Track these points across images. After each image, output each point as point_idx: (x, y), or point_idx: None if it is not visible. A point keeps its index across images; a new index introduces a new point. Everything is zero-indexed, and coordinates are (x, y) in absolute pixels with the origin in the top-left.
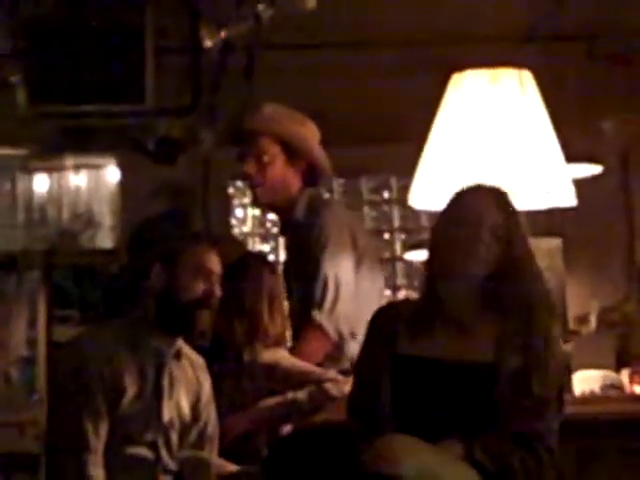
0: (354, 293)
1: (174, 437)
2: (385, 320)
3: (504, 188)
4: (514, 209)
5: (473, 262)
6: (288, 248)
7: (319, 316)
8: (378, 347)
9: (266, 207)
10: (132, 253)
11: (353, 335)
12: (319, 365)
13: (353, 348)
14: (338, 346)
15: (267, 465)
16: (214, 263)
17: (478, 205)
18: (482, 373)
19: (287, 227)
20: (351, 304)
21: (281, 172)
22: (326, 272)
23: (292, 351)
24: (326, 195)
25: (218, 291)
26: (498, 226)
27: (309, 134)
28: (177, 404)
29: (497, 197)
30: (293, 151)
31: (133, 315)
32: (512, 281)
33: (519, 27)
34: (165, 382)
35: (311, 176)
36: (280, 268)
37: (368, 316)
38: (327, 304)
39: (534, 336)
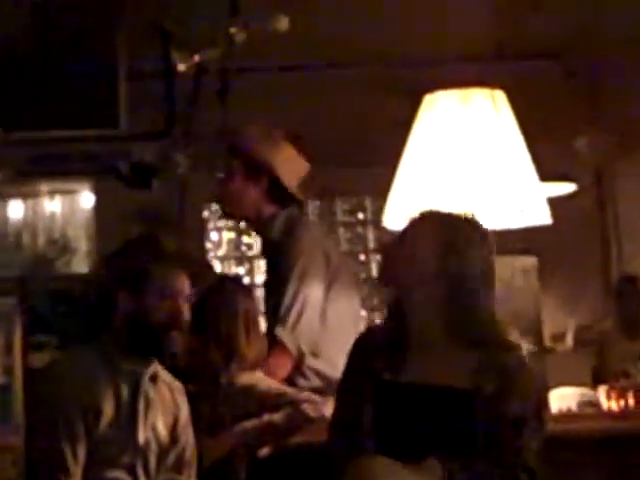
0: (322, 313)
1: (152, 460)
2: (365, 345)
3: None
4: (460, 230)
5: (412, 275)
6: (267, 268)
7: (281, 332)
8: (359, 372)
9: (240, 221)
10: (100, 279)
11: (314, 354)
12: (289, 381)
13: (315, 366)
14: (299, 363)
15: None
16: (181, 284)
17: (418, 224)
18: (459, 399)
19: (265, 248)
20: (316, 324)
21: (241, 187)
22: (293, 290)
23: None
24: (303, 217)
25: (186, 312)
26: (438, 243)
27: (274, 152)
28: (153, 427)
29: (440, 219)
30: (252, 167)
31: (108, 339)
32: (471, 304)
33: (490, 46)
34: (140, 405)
35: (284, 197)
36: (261, 289)
37: (339, 337)
38: (290, 321)
39: (508, 359)
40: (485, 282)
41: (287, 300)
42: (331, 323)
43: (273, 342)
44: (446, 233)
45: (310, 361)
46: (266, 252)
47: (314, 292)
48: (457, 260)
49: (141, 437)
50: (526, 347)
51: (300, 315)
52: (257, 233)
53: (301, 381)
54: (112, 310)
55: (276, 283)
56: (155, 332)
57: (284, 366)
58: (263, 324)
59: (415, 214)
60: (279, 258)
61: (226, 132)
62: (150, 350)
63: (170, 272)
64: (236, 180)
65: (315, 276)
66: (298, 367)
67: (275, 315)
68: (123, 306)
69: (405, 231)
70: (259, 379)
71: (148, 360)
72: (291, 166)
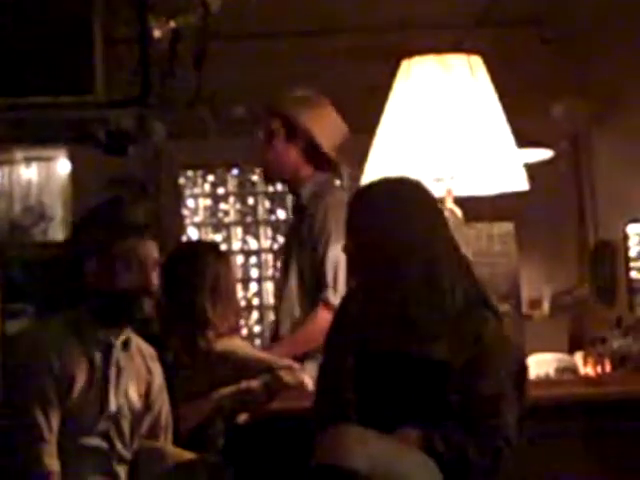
0: None
1: (126, 427)
2: (345, 313)
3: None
4: (405, 198)
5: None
6: (292, 229)
7: (333, 297)
8: (341, 341)
9: (275, 182)
10: (68, 248)
11: None
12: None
13: None
14: None
15: (225, 454)
16: (148, 251)
17: (361, 197)
18: (434, 369)
19: (294, 209)
20: None
21: (281, 147)
22: (336, 256)
23: (302, 328)
24: (332, 181)
25: (154, 279)
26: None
27: (312, 115)
28: (125, 393)
29: (384, 189)
30: (292, 128)
31: (81, 307)
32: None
33: (469, 12)
34: (112, 371)
35: (320, 159)
36: (238, 255)
37: None
38: (339, 286)
39: (485, 330)
40: (445, 249)
41: (331, 266)
42: None
43: (318, 304)
44: (389, 203)
45: None
46: (294, 213)
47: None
48: (402, 229)
49: (113, 404)
50: (503, 309)
51: (342, 281)
52: (292, 194)
53: None
54: (82, 278)
55: (306, 247)
56: (124, 300)
57: None
58: (239, 290)
59: (358, 188)
60: (304, 222)
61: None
62: (120, 318)
63: (136, 239)
64: (277, 142)
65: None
66: None
67: (308, 279)
68: (91, 275)
69: (350, 205)
70: (237, 346)
71: (121, 327)
72: (328, 128)
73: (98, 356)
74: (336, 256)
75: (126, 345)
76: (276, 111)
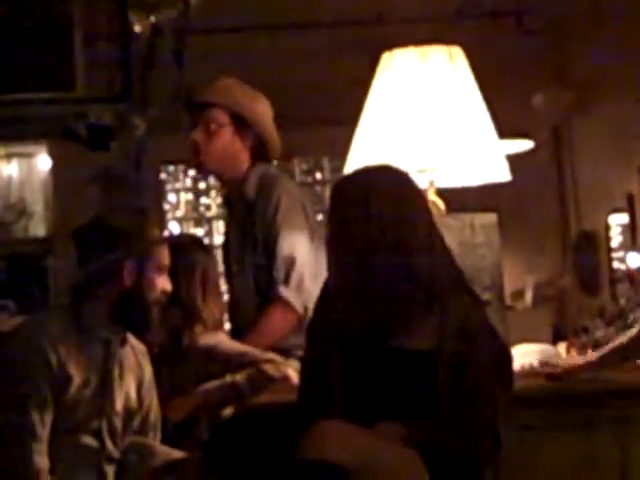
0: (313, 268)
1: (118, 425)
2: (332, 298)
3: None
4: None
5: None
6: (236, 224)
7: (287, 292)
8: (326, 325)
9: (213, 176)
10: (101, 248)
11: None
12: (284, 338)
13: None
14: (303, 320)
15: (209, 449)
16: (168, 258)
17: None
18: (420, 360)
19: (236, 202)
20: (311, 280)
21: (228, 142)
22: (288, 249)
23: (256, 326)
24: (277, 172)
25: (169, 286)
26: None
27: (260, 109)
28: (127, 392)
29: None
30: (243, 123)
31: (88, 306)
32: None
33: (449, 3)
34: (116, 372)
35: (261, 152)
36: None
37: None
38: (293, 280)
39: (470, 320)
40: (427, 237)
41: (282, 260)
42: (316, 278)
43: (272, 300)
44: (371, 191)
45: None
46: (237, 210)
47: (304, 249)
48: (383, 218)
49: (118, 404)
50: (485, 298)
51: (301, 274)
52: (226, 186)
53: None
54: (106, 280)
55: (256, 241)
56: (150, 308)
57: (289, 324)
58: (223, 284)
59: (341, 177)
60: (258, 216)
61: (197, 87)
62: (141, 325)
63: (164, 246)
64: (225, 135)
65: (301, 233)
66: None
67: (264, 273)
68: (128, 278)
69: (332, 195)
70: (220, 340)
71: (124, 328)
72: (270, 120)
73: (98, 355)
74: (289, 251)
75: (123, 342)
76: (223, 104)
